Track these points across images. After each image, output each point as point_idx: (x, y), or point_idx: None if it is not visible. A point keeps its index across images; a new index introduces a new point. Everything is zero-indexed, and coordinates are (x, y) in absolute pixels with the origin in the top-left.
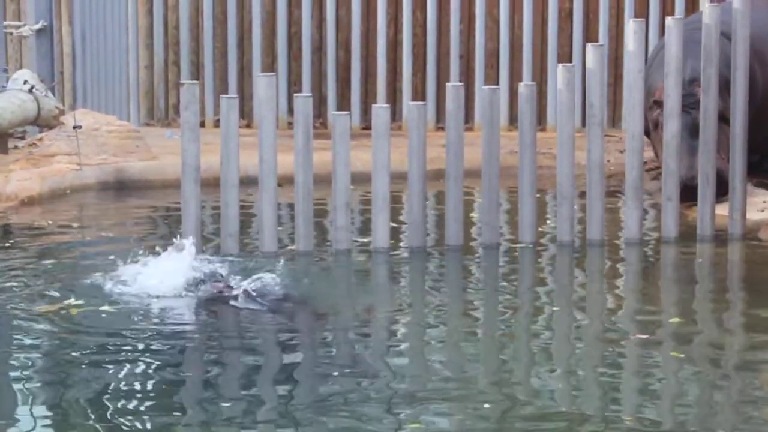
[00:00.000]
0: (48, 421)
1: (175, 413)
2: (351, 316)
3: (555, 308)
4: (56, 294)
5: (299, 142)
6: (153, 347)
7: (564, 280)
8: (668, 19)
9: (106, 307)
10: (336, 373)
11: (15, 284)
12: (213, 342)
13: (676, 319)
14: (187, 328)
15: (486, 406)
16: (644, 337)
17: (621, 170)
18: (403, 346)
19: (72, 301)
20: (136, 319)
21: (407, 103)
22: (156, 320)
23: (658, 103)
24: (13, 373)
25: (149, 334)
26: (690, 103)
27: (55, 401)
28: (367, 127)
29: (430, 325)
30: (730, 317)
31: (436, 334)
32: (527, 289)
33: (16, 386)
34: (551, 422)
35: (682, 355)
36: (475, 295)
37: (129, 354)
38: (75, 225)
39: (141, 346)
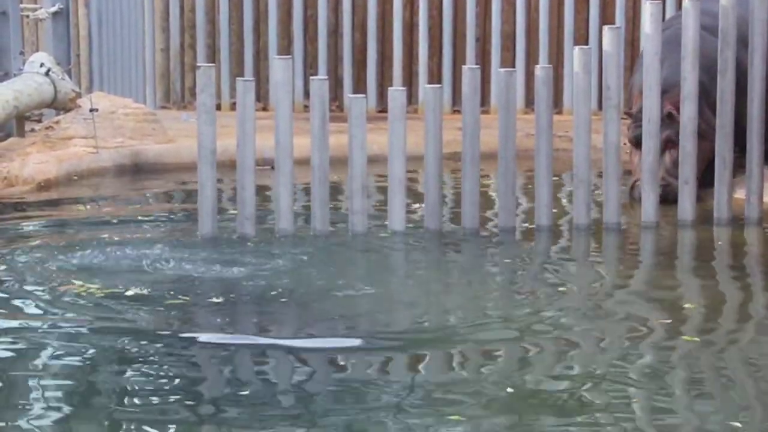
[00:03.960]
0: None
1: None
2: None
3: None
4: None
5: (315, 125)
6: None
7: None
8: (685, 2)
9: None
10: None
11: None
12: None
13: (691, 305)
14: None
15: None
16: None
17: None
18: None
19: None
20: None
21: (423, 86)
22: None
23: (629, 116)
24: None
25: None
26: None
27: None
28: (384, 110)
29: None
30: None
31: None
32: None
33: None
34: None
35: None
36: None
37: None
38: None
39: None
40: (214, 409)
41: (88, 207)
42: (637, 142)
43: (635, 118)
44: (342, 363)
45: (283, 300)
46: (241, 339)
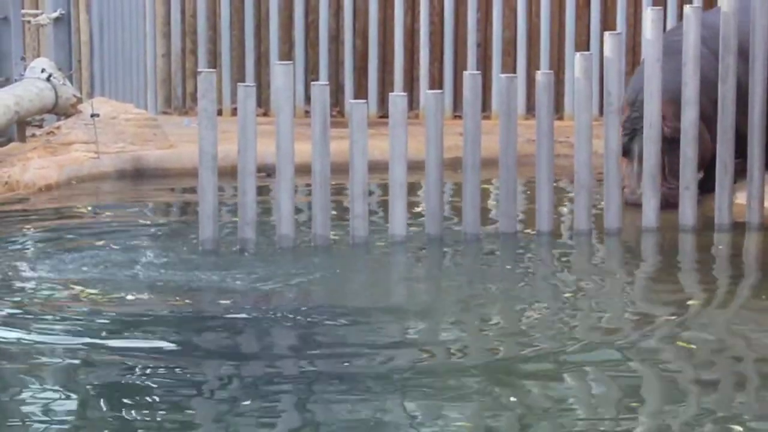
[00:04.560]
0: None
1: None
2: None
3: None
4: None
5: (316, 131)
6: None
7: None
8: (686, 8)
9: None
10: None
11: None
12: None
13: (695, 302)
14: None
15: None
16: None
17: None
18: None
19: None
20: None
21: (424, 92)
22: None
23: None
24: None
25: None
26: (633, 129)
27: None
28: (385, 116)
29: None
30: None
31: None
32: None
33: None
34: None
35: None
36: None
37: None
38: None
39: None
40: None
41: (90, 212)
42: (623, 152)
43: (623, 128)
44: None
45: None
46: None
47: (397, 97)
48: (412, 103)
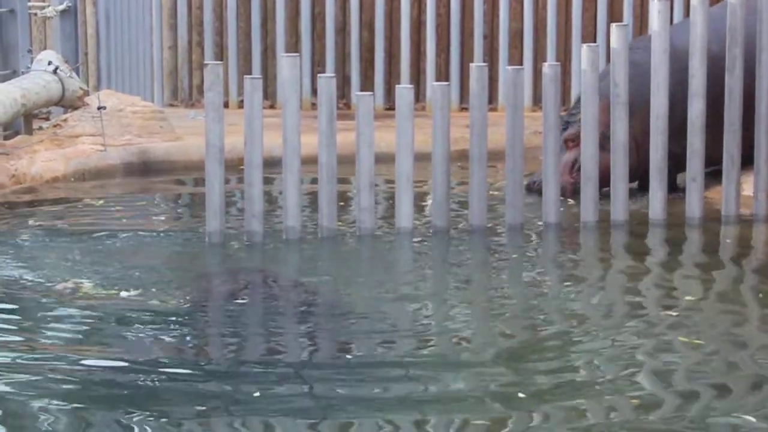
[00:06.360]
0: None
1: None
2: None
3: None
4: None
5: (323, 123)
6: None
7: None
8: (693, 0)
9: None
10: None
11: None
12: None
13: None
14: None
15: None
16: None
17: None
18: None
19: None
20: None
21: (431, 84)
22: None
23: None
24: None
25: None
26: (566, 122)
27: None
28: (391, 108)
29: None
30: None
31: None
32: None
33: None
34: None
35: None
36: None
37: None
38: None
39: None
40: None
41: (98, 204)
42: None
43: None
44: None
45: None
46: None
47: (404, 89)
48: (419, 95)
